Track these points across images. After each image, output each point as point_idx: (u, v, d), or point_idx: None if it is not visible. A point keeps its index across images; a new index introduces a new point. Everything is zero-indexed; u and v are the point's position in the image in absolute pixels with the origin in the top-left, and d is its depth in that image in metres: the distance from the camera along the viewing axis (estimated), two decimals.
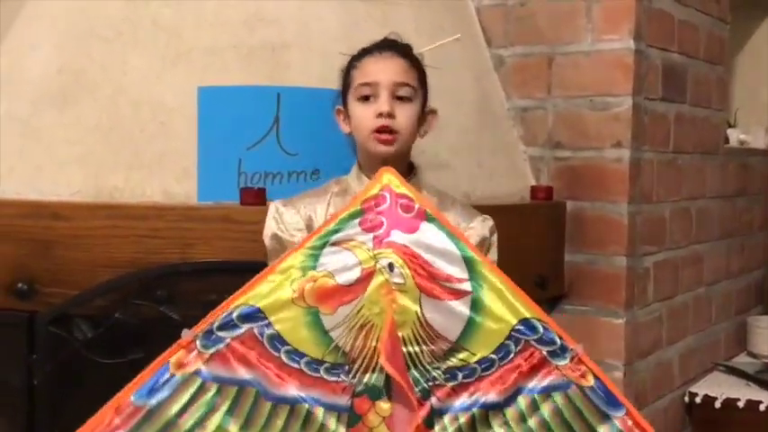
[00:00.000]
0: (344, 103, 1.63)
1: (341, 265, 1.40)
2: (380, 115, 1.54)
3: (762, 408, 2.72)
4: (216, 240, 1.85)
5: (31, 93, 2.10)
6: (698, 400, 2.81)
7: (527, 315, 1.40)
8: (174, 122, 2.01)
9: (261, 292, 1.40)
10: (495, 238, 1.66)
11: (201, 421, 1.36)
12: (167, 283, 1.84)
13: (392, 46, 1.62)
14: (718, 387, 2.85)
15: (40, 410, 1.88)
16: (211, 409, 1.36)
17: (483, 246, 1.61)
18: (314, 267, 1.40)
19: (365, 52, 1.61)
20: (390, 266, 1.39)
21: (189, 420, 1.36)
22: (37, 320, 1.86)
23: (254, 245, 1.74)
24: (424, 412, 1.37)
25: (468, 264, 1.41)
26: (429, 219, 1.43)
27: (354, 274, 1.40)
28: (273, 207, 1.64)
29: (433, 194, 1.65)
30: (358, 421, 1.39)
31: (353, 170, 1.65)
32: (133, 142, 2.01)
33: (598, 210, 2.48)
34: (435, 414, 1.38)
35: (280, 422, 1.37)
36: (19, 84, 2.11)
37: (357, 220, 1.42)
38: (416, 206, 1.43)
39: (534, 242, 2.42)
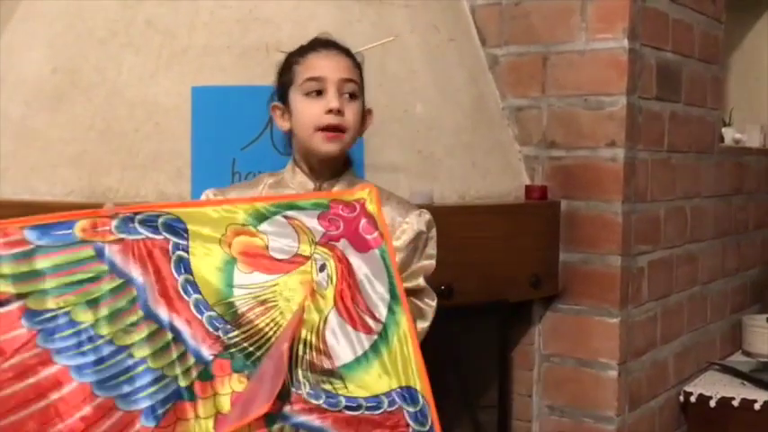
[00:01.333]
0: (282, 100, 1.61)
1: (280, 238, 1.39)
2: (330, 111, 1.52)
3: (756, 407, 2.72)
4: None
5: (25, 93, 2.10)
6: (693, 399, 2.81)
7: (416, 386, 1.36)
8: (169, 122, 2.01)
9: (194, 215, 1.39)
10: (433, 232, 1.62)
11: (66, 289, 1.33)
12: None
13: (335, 44, 1.60)
14: (713, 386, 2.85)
15: None
16: (82, 285, 1.33)
17: (419, 240, 1.59)
18: (255, 226, 1.40)
19: (308, 48, 1.59)
20: (322, 267, 1.39)
21: (56, 281, 1.33)
22: None
23: None
24: (272, 409, 1.32)
25: (392, 311, 1.39)
26: (381, 251, 1.41)
27: (286, 251, 1.39)
28: (204, 195, 1.62)
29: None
30: (208, 379, 1.35)
31: (289, 165, 1.63)
32: (127, 142, 2.01)
33: (592, 209, 2.48)
34: (280, 417, 1.34)
35: (137, 336, 1.34)
36: (13, 84, 2.11)
37: (318, 212, 1.41)
38: (376, 233, 1.41)
39: (529, 241, 2.42)
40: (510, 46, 2.61)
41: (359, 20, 2.23)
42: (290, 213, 1.41)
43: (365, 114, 1.63)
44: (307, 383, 1.35)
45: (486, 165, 2.45)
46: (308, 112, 1.55)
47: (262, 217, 1.40)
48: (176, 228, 1.38)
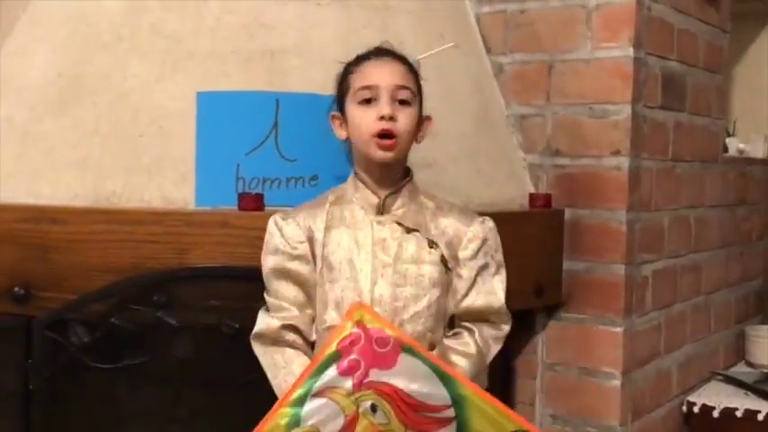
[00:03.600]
0: (340, 110, 1.63)
1: (324, 416, 1.40)
2: (382, 118, 1.53)
3: (760, 417, 2.71)
4: (214, 245, 1.85)
5: (30, 97, 2.10)
6: (696, 409, 2.80)
7: (512, 428, 1.40)
8: (173, 127, 2.01)
9: None
10: (497, 240, 1.65)
11: None
12: (165, 289, 1.84)
13: (390, 52, 1.63)
14: (717, 396, 2.84)
15: (36, 415, 1.88)
16: None
17: (486, 247, 1.61)
18: (298, 424, 1.41)
19: (363, 58, 1.62)
20: (373, 408, 1.40)
21: None
22: (34, 325, 1.86)
23: (252, 250, 1.73)
24: None
25: (449, 388, 1.40)
26: (406, 350, 1.42)
27: (338, 424, 1.40)
28: (273, 221, 1.64)
29: (430, 200, 1.65)
30: None
31: (350, 178, 1.65)
32: (132, 147, 2.01)
33: (596, 217, 2.48)
34: None
35: None
36: (18, 89, 2.12)
37: (335, 365, 1.42)
38: (391, 339, 1.42)
39: (532, 250, 2.41)
40: (515, 54, 2.61)
41: (364, 27, 2.23)
42: (316, 388, 1.42)
43: (423, 121, 1.64)
44: None
45: (491, 172, 2.45)
46: (362, 120, 1.56)
47: (296, 415, 1.41)
48: None
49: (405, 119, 1.56)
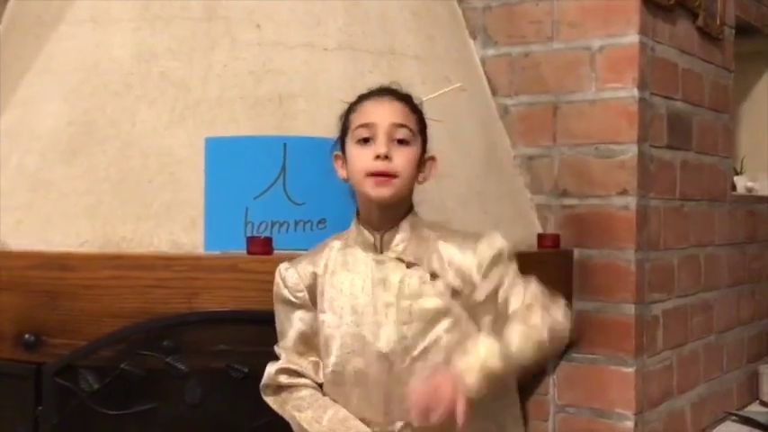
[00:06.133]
0: (343, 149, 1.61)
1: None
2: (378, 157, 1.50)
3: None
4: (223, 290, 1.85)
5: (41, 145, 2.12)
6: None
7: None
8: (182, 173, 2.03)
9: None
10: (507, 253, 1.57)
11: None
12: (174, 334, 1.84)
13: (391, 91, 1.60)
14: None
15: None
16: None
17: (498, 261, 1.55)
18: None
19: (364, 97, 1.60)
20: None
21: None
22: (43, 372, 1.86)
23: (262, 294, 1.73)
24: None
25: None
26: None
27: None
28: (277, 271, 1.63)
29: (432, 230, 1.60)
30: None
31: (353, 224, 1.61)
32: (141, 193, 2.02)
33: (605, 257, 2.48)
34: None
35: None
36: (30, 136, 2.14)
37: None
38: None
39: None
40: (520, 96, 2.63)
41: (370, 71, 2.25)
42: None
43: (426, 161, 1.60)
44: None
45: (499, 213, 2.45)
46: (359, 159, 1.53)
47: None
48: None
49: (402, 158, 1.52)
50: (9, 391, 1.91)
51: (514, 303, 1.53)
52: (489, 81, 2.67)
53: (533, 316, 1.49)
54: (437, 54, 2.46)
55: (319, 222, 2.00)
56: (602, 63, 2.49)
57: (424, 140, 1.60)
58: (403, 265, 1.55)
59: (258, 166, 1.97)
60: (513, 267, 1.58)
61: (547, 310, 1.52)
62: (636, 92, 2.44)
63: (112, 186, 2.03)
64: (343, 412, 1.55)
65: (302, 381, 1.58)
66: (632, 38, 2.44)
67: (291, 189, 1.98)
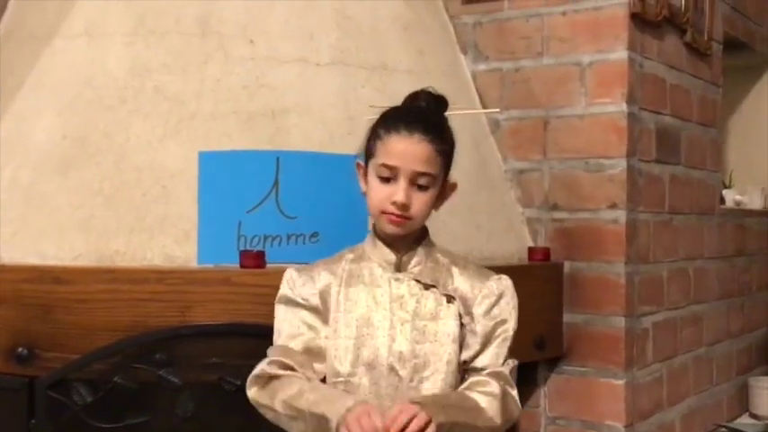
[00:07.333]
0: (366, 162, 1.59)
1: None
2: (395, 203, 1.50)
3: None
4: (216, 303, 1.86)
5: (35, 159, 2.13)
6: None
7: None
8: (176, 187, 2.04)
9: None
10: (515, 299, 1.63)
11: None
12: (167, 347, 1.85)
13: (423, 126, 1.52)
14: None
15: None
16: None
17: (499, 303, 1.60)
18: None
19: (394, 124, 1.52)
20: None
21: None
22: (36, 385, 1.86)
23: (255, 307, 1.75)
24: None
25: None
26: None
27: None
28: (288, 273, 1.62)
29: (445, 256, 1.63)
30: None
31: (368, 237, 1.62)
32: (135, 206, 2.03)
33: (595, 270, 2.49)
34: None
35: None
36: (23, 150, 2.15)
37: None
38: None
39: (532, 303, 2.41)
40: (511, 110, 2.65)
41: (363, 86, 2.27)
42: None
43: (446, 189, 1.60)
44: None
45: (490, 227, 2.47)
46: (377, 195, 1.53)
47: None
48: None
49: (419, 203, 1.53)
50: (2, 404, 1.92)
51: (491, 360, 1.59)
52: (480, 96, 2.69)
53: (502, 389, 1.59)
54: (428, 69, 2.48)
55: (312, 236, 2.01)
56: (592, 78, 2.51)
57: (446, 172, 1.59)
58: (420, 286, 1.57)
59: (251, 180, 1.99)
60: (512, 326, 1.63)
61: (510, 393, 1.61)
62: (625, 107, 2.46)
63: (106, 200, 2.04)
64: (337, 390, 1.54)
65: (296, 374, 1.56)
66: (621, 53, 2.47)
67: (284, 203, 2.00)
